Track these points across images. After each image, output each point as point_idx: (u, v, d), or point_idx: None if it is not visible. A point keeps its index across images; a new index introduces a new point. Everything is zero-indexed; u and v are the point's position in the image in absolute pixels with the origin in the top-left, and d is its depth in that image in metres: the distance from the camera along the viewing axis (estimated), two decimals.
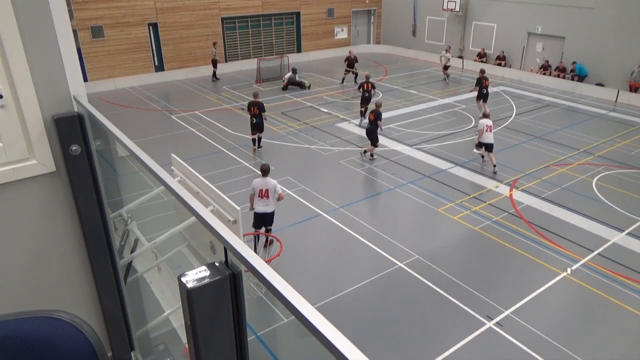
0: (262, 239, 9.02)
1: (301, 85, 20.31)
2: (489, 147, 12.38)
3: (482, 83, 16.32)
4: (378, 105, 12.86)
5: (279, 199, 8.65)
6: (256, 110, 12.99)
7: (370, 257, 8.79)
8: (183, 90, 20.66)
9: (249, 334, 1.30)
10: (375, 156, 13.14)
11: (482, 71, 16.69)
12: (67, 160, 2.23)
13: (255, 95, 13.24)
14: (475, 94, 16.93)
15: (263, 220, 8.73)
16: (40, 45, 2.05)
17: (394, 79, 21.38)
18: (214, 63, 21.65)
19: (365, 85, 15.72)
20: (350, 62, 20.46)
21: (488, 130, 12.26)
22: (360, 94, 15.89)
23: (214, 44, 21.62)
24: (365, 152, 13.13)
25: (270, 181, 8.56)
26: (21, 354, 1.24)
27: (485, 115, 12.92)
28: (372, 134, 12.79)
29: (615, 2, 18.97)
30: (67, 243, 2.41)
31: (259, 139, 13.59)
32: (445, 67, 21.09)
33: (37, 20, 2.02)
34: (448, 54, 21.18)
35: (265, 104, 13.43)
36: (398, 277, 8.23)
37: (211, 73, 21.99)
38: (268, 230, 8.89)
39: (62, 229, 2.37)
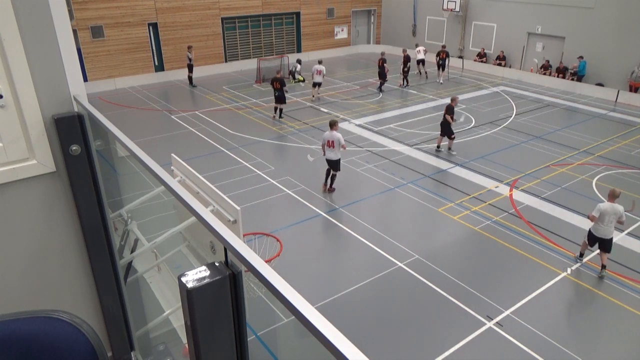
0: (329, 181, 10.97)
1: (293, 76, 21.18)
2: (315, 85, 17.89)
3: (439, 55, 20.69)
4: (452, 100, 13.23)
5: (342, 148, 10.47)
6: (277, 85, 15.48)
7: (370, 257, 8.79)
8: (183, 90, 20.65)
9: (249, 334, 1.30)
10: (455, 152, 13.49)
11: (443, 46, 20.99)
12: (67, 160, 2.23)
13: (277, 72, 16.30)
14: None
15: (330, 165, 10.72)
16: (40, 45, 2.05)
17: (394, 79, 21.36)
18: (190, 68, 20.34)
19: (379, 61, 19.35)
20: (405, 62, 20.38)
21: (317, 73, 17.50)
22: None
23: (189, 47, 20.23)
24: (449, 149, 13.49)
25: (336, 134, 10.48)
26: (21, 354, 1.24)
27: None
28: (446, 128, 13.16)
29: (615, 2, 18.96)
30: (67, 243, 2.41)
31: (280, 110, 16.11)
32: (418, 62, 21.69)
33: (37, 20, 2.02)
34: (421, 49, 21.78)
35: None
36: (398, 277, 8.23)
37: (186, 78, 20.82)
38: (333, 176, 10.89)
39: (62, 229, 2.37)
